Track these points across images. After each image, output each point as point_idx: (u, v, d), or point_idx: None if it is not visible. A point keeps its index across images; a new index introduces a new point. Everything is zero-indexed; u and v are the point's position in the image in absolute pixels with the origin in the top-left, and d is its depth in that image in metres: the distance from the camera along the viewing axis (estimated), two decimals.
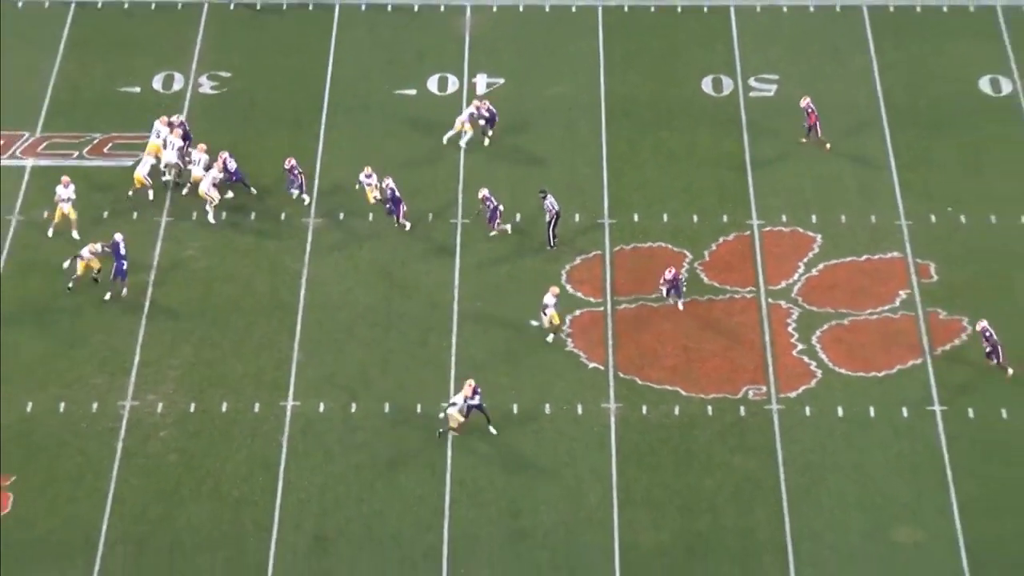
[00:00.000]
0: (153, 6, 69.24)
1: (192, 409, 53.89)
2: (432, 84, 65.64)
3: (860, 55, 66.45)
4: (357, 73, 66.09)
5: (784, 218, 60.05)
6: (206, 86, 65.67)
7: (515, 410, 53.57)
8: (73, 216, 58.47)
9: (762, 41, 67.15)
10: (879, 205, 60.31)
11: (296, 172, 59.67)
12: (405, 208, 58.82)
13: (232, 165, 59.77)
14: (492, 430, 52.51)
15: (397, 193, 58.71)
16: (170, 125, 60.97)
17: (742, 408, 53.95)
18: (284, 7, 69.19)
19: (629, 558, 49.91)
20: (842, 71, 65.89)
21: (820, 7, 68.76)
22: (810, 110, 61.36)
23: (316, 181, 61.17)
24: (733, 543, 50.13)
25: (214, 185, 59.23)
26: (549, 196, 58.62)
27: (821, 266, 58.46)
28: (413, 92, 65.30)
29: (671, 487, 51.78)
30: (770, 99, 64.78)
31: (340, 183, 60.44)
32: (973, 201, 60.37)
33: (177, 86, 65.56)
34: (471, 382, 52.24)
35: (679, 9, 68.77)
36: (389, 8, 69.11)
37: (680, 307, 56.25)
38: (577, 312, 56.87)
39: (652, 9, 68.72)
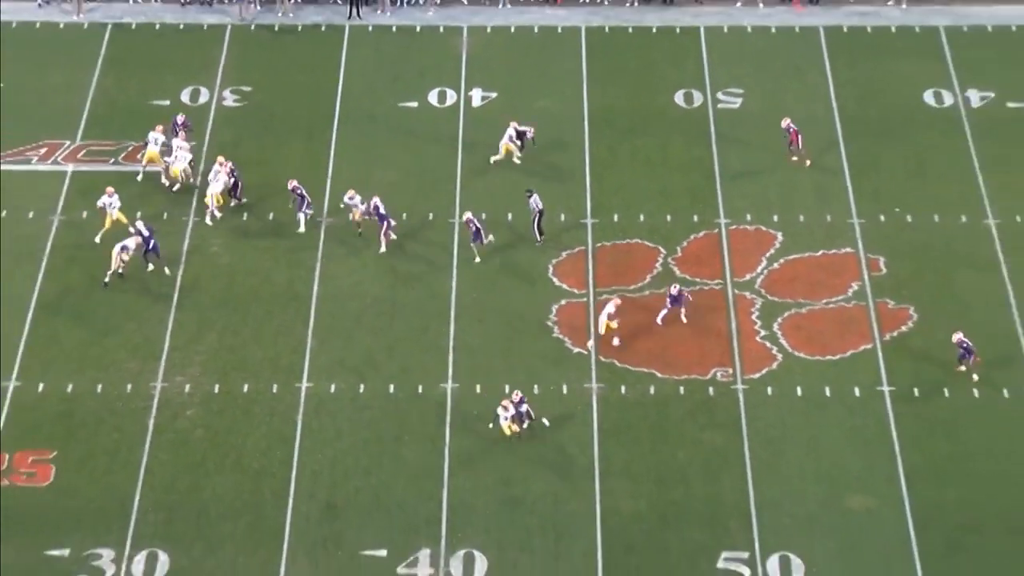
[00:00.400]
0: (181, 27, 69.20)
1: (216, 390, 53.87)
2: (432, 97, 65.59)
3: (817, 71, 66.43)
4: (364, 87, 66.05)
5: (748, 217, 60.03)
6: (229, 99, 65.59)
7: (507, 390, 53.49)
8: (125, 221, 58.30)
9: (729, 58, 67.08)
10: (833, 206, 60.29)
11: (299, 192, 59.28)
12: (393, 223, 58.46)
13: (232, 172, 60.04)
14: (545, 422, 52.27)
15: (383, 210, 58.41)
16: (180, 125, 60.94)
17: (711, 388, 53.94)
18: (299, 28, 69.11)
19: (610, 523, 49.91)
20: (801, 86, 65.87)
21: (781, 28, 68.73)
22: (791, 129, 61.19)
23: (328, 184, 61.10)
24: (703, 510, 50.14)
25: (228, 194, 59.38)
26: (534, 195, 58.60)
27: (782, 261, 58.44)
28: (415, 104, 65.25)
29: (647, 459, 51.78)
30: (736, 111, 64.74)
31: (349, 186, 60.23)
32: (918, 202, 60.36)
33: (203, 99, 65.45)
34: (517, 392, 52.10)
35: (654, 30, 68.68)
36: (394, 29, 69.04)
37: (683, 320, 55.91)
38: (563, 302, 56.83)
39: (630, 30, 68.61)
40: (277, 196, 60.34)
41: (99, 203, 58.29)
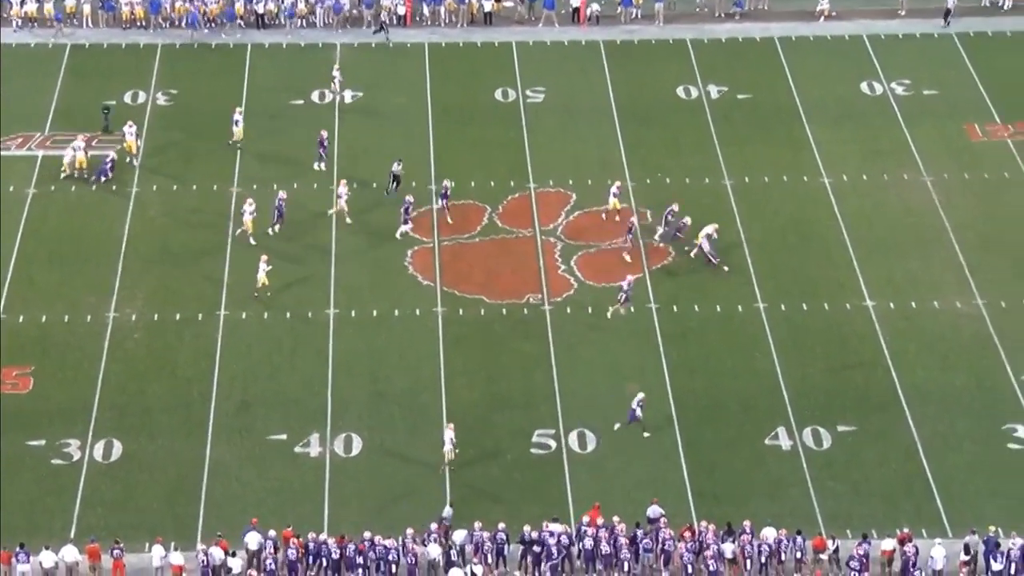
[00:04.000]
0: (124, 45, 67.34)
1: (156, 318, 52.61)
2: (315, 96, 64.30)
3: (599, 73, 65.96)
4: (264, 90, 64.56)
5: (551, 182, 59.52)
6: (161, 100, 63.88)
7: (375, 314, 52.76)
8: (251, 229, 55.51)
9: (534, 64, 66.38)
10: (613, 172, 59.91)
11: (325, 142, 58.45)
12: (283, 223, 56.18)
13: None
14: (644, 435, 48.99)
15: (283, 209, 56.17)
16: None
17: (525, 310, 53.49)
18: (213, 46, 67.46)
19: (453, 409, 49.38)
20: (587, 84, 65.36)
21: (572, 41, 68.08)
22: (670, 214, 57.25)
23: (237, 164, 59.71)
24: (520, 399, 49.75)
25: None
26: (400, 163, 58.12)
27: (576, 214, 58.02)
28: (301, 102, 63.94)
29: (480, 363, 51.28)
30: (540, 103, 64.11)
31: (256, 167, 59.07)
32: (674, 169, 60.17)
33: (141, 100, 63.72)
34: (642, 395, 48.73)
35: (479, 44, 67.91)
36: (284, 46, 67.63)
37: (622, 312, 52.99)
38: (416, 248, 56.04)
39: (461, 44, 67.73)
40: (201, 172, 59.03)
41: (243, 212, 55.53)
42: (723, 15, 69.63)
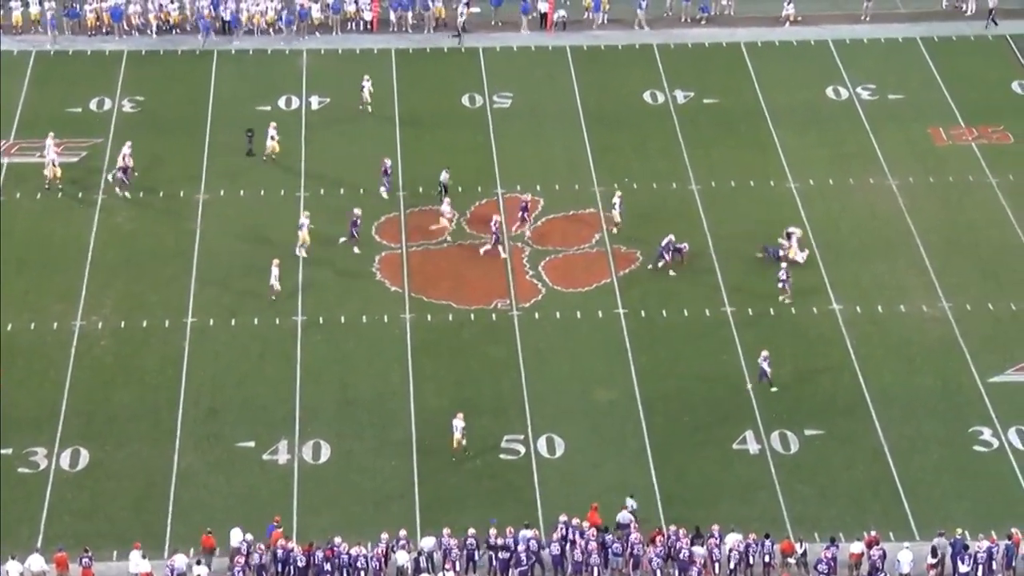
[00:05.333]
0: (89, 52, 67.03)
1: (122, 325, 52.35)
2: (281, 103, 64.13)
3: (566, 78, 66.01)
4: (230, 95, 64.35)
5: (519, 187, 59.50)
6: (127, 106, 63.58)
7: (342, 320, 52.65)
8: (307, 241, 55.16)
9: (500, 70, 66.41)
10: (580, 177, 59.96)
11: (388, 170, 57.58)
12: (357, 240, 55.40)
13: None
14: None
15: (359, 224, 55.54)
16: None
17: (493, 315, 53.44)
18: (179, 53, 67.20)
19: (422, 415, 49.34)
20: (554, 89, 65.38)
21: (539, 47, 68.18)
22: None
23: (204, 168, 59.52)
24: (489, 404, 49.69)
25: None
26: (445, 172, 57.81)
27: (544, 219, 58.03)
28: (268, 108, 63.74)
29: (448, 369, 51.23)
30: (507, 109, 64.10)
31: (222, 171, 58.88)
32: (641, 173, 60.24)
33: (107, 107, 63.42)
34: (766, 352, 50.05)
35: (446, 50, 67.83)
36: (250, 52, 67.41)
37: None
38: (383, 254, 55.94)
39: (428, 50, 67.67)
40: (166, 179, 58.81)
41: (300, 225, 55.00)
42: (689, 20, 69.75)
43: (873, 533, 44.66)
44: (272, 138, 59.88)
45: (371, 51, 67.70)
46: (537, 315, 53.46)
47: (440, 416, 49.06)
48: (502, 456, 47.98)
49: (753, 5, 70.92)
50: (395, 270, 55.26)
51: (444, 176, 58.17)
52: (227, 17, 67.91)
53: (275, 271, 53.10)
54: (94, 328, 52.20)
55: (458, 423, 47.67)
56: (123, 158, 58.36)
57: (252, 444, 48.08)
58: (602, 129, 62.83)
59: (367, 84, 63.14)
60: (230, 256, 55.44)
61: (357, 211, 56.05)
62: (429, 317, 53.23)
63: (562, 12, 69.22)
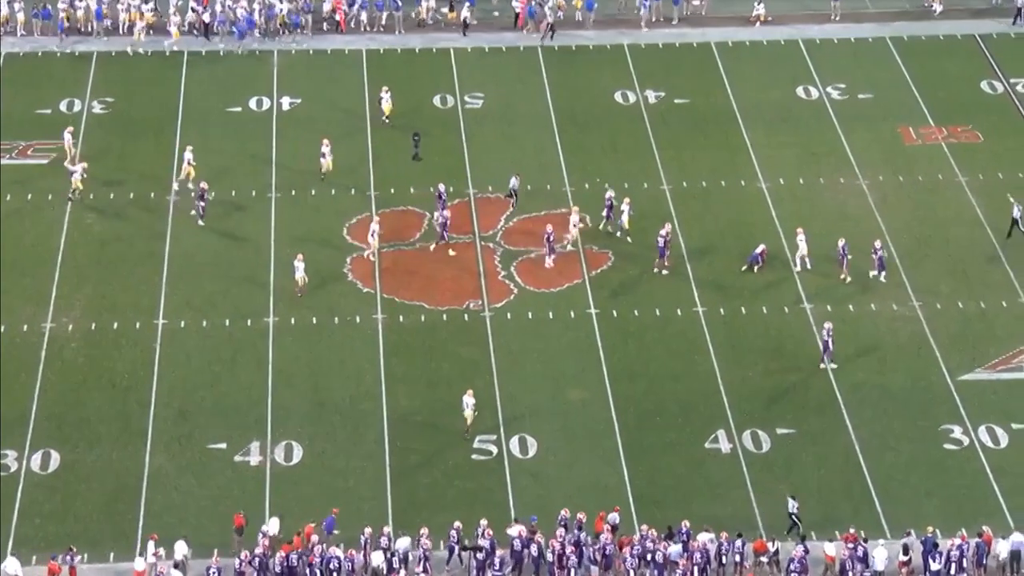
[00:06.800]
0: (59, 54, 66.73)
1: (93, 327, 52.15)
2: (252, 104, 63.99)
3: (537, 79, 66.02)
4: (200, 97, 64.16)
5: (490, 188, 59.50)
6: (97, 108, 63.34)
7: (314, 321, 52.55)
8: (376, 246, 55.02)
9: (472, 70, 66.42)
10: (552, 178, 60.00)
11: (443, 197, 56.50)
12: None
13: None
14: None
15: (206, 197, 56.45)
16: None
17: (466, 316, 53.43)
18: (149, 54, 66.96)
19: (393, 417, 49.29)
20: (526, 90, 65.37)
21: (510, 47, 68.13)
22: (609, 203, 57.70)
23: (173, 169, 59.32)
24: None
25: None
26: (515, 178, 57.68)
27: (516, 220, 58.04)
28: (239, 109, 63.58)
29: (420, 370, 51.20)
30: (478, 109, 64.08)
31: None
32: (613, 174, 60.27)
33: (77, 108, 63.16)
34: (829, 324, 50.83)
35: (417, 50, 67.79)
36: (221, 53, 67.23)
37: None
38: (355, 255, 55.87)
39: (399, 51, 67.62)
40: (138, 180, 58.61)
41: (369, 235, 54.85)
42: (662, 19, 69.81)
43: (851, 531, 44.79)
44: (324, 156, 58.58)
45: (343, 51, 67.58)
46: (509, 315, 53.46)
47: (413, 416, 49.08)
48: (474, 457, 47.96)
49: (724, 5, 71.08)
50: (367, 271, 55.18)
51: (514, 182, 57.88)
52: (207, 19, 67.68)
53: (300, 265, 52.83)
54: (64, 330, 51.98)
55: (469, 400, 47.84)
56: (200, 189, 56.37)
57: (224, 446, 47.95)
58: (573, 129, 62.87)
59: (386, 96, 62.23)
60: (202, 258, 55.23)
61: (204, 184, 56.02)
62: (401, 318, 53.17)
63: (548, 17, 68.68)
